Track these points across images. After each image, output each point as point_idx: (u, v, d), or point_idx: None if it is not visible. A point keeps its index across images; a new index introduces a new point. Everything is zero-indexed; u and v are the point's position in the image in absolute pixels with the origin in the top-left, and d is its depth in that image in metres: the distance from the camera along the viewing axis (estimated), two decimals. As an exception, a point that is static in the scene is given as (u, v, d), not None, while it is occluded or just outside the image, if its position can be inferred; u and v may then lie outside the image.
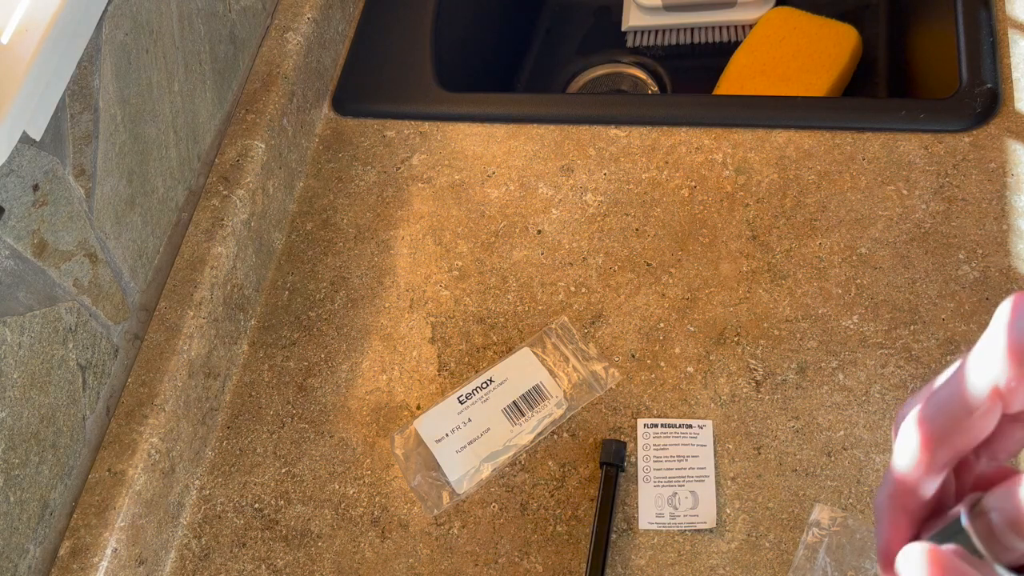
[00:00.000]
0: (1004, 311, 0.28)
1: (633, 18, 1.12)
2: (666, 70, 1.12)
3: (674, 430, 0.69)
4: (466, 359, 0.75)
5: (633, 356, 0.73)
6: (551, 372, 0.72)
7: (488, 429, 0.71)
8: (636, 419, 0.70)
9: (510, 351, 0.74)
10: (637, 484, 0.67)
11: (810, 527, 0.64)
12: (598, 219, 0.80)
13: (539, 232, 0.80)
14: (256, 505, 0.71)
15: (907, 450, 0.30)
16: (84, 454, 0.67)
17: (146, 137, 0.72)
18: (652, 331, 0.73)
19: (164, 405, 0.69)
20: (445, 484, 0.70)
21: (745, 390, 0.70)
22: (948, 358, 0.69)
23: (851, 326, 0.71)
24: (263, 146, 0.81)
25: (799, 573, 0.62)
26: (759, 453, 0.67)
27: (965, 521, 0.29)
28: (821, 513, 0.64)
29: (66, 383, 0.65)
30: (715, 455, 0.68)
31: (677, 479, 0.67)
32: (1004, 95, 0.78)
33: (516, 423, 0.71)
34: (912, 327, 0.71)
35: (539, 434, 0.71)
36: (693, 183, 0.80)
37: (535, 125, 0.86)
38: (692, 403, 0.70)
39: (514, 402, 0.71)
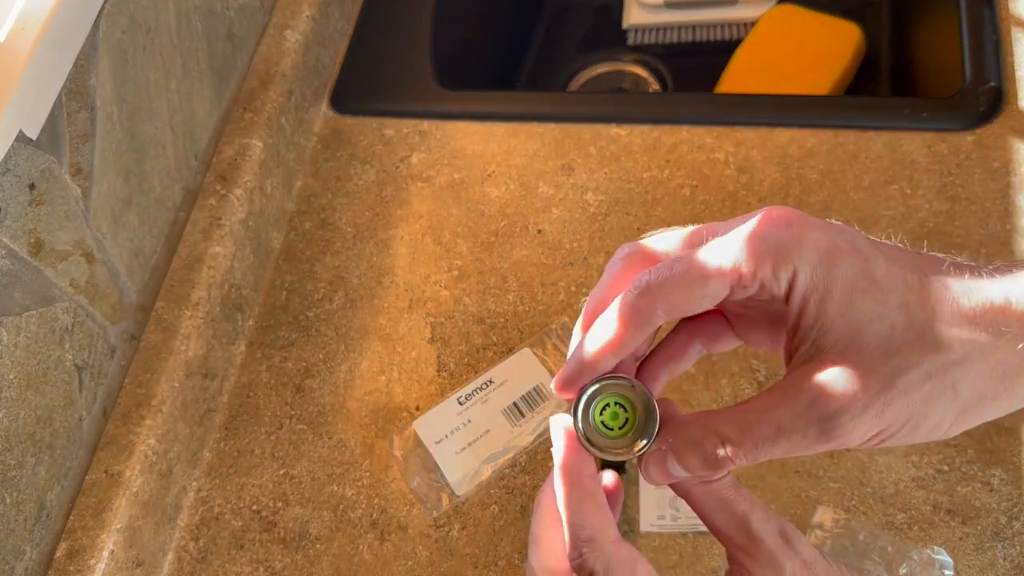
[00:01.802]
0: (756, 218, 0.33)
1: (634, 16, 1.12)
2: (667, 68, 1.11)
3: (675, 431, 0.68)
4: (466, 360, 0.74)
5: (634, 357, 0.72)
6: (551, 373, 0.72)
7: (488, 430, 0.70)
8: (637, 420, 0.69)
9: (510, 352, 0.74)
10: (638, 486, 0.67)
11: (813, 529, 0.63)
12: (599, 218, 0.79)
13: (539, 232, 0.80)
14: (254, 507, 0.71)
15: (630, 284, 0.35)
16: (81, 455, 0.67)
17: (143, 136, 0.72)
18: (653, 331, 0.73)
19: (161, 406, 0.69)
20: (444, 486, 0.69)
21: (747, 391, 0.69)
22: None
23: (854, 326, 0.71)
24: (261, 145, 0.81)
25: None
26: (761, 454, 0.67)
27: (586, 396, 0.36)
28: (824, 515, 0.64)
29: (62, 384, 0.64)
30: (717, 456, 0.67)
31: (678, 481, 0.66)
32: (1008, 94, 0.78)
33: (516, 424, 0.70)
34: (915, 327, 0.70)
35: (539, 435, 0.70)
36: (695, 182, 0.79)
37: (535, 124, 0.85)
38: (694, 404, 0.69)
39: (514, 403, 0.71)
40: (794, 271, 0.32)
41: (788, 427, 0.31)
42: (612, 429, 0.36)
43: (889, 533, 0.62)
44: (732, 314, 0.38)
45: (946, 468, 0.64)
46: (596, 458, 0.36)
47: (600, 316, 0.35)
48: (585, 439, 0.36)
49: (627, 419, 0.36)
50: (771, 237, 0.32)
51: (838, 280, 0.31)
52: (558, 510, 0.36)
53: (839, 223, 0.33)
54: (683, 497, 0.36)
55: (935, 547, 0.61)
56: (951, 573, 0.60)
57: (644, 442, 0.35)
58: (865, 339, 0.31)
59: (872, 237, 0.33)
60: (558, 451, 0.36)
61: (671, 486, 0.36)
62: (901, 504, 0.64)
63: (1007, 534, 0.62)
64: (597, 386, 0.36)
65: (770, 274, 0.32)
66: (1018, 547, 0.61)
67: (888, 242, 0.33)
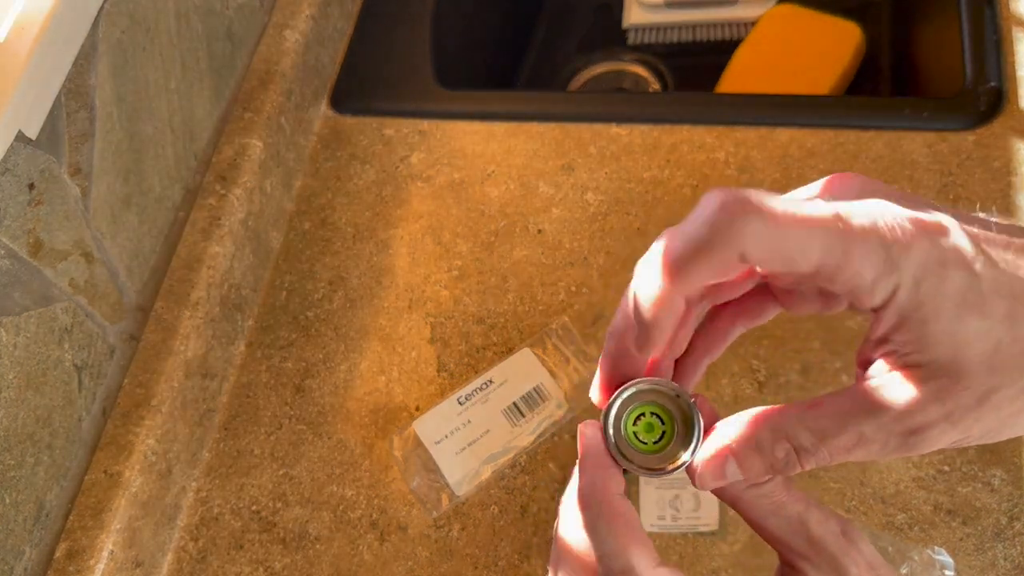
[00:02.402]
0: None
1: (634, 15, 1.12)
2: (668, 68, 1.11)
3: (676, 431, 0.68)
4: (466, 360, 0.74)
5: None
6: (552, 373, 0.72)
7: (488, 430, 0.70)
8: (637, 420, 0.69)
9: (510, 352, 0.73)
10: (639, 486, 0.67)
11: None
12: (599, 218, 0.79)
13: (540, 231, 0.79)
14: (253, 507, 0.71)
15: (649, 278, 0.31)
16: (80, 455, 0.66)
17: (143, 135, 0.71)
18: (653, 331, 0.73)
19: (161, 406, 0.69)
20: (444, 486, 0.69)
21: (748, 391, 0.69)
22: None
23: (855, 326, 0.70)
24: (261, 144, 0.80)
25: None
26: (761, 455, 0.67)
27: (611, 402, 0.33)
28: None
29: (62, 384, 0.64)
30: (717, 457, 0.67)
31: (679, 481, 0.66)
32: (1008, 93, 0.78)
33: (516, 424, 0.70)
34: (916, 327, 0.70)
35: (539, 435, 0.70)
36: (695, 182, 0.79)
37: (535, 123, 0.85)
38: (694, 404, 0.69)
39: (514, 403, 0.71)
40: (896, 286, 0.28)
41: (870, 438, 0.30)
42: (646, 443, 0.33)
43: (889, 533, 0.62)
44: (779, 288, 0.35)
45: (947, 468, 0.64)
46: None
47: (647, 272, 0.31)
48: (617, 451, 0.33)
49: (664, 432, 0.33)
50: (873, 238, 0.28)
51: (946, 297, 0.29)
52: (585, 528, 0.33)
53: (939, 212, 0.30)
54: (730, 503, 0.33)
55: (936, 547, 0.61)
56: (952, 573, 0.60)
57: (685, 455, 0.32)
58: (968, 356, 0.29)
59: (970, 221, 0.30)
60: (587, 468, 0.33)
61: (716, 491, 0.33)
62: (902, 504, 0.63)
63: (1008, 534, 0.62)
64: (632, 391, 0.33)
65: (868, 284, 0.28)
66: (1018, 547, 0.61)
67: (985, 222, 0.30)
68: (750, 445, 0.31)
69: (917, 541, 0.62)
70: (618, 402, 0.33)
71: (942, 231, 0.29)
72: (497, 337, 0.75)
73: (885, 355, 0.30)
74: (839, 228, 0.28)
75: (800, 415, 0.31)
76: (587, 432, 0.34)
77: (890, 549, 0.61)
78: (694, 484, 0.32)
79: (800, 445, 0.30)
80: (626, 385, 0.33)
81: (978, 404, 0.29)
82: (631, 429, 0.33)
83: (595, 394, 0.34)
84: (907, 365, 0.29)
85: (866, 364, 0.31)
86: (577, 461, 0.34)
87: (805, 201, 0.29)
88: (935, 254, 0.28)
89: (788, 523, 0.32)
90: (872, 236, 0.28)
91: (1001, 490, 0.63)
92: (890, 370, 0.30)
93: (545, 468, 0.69)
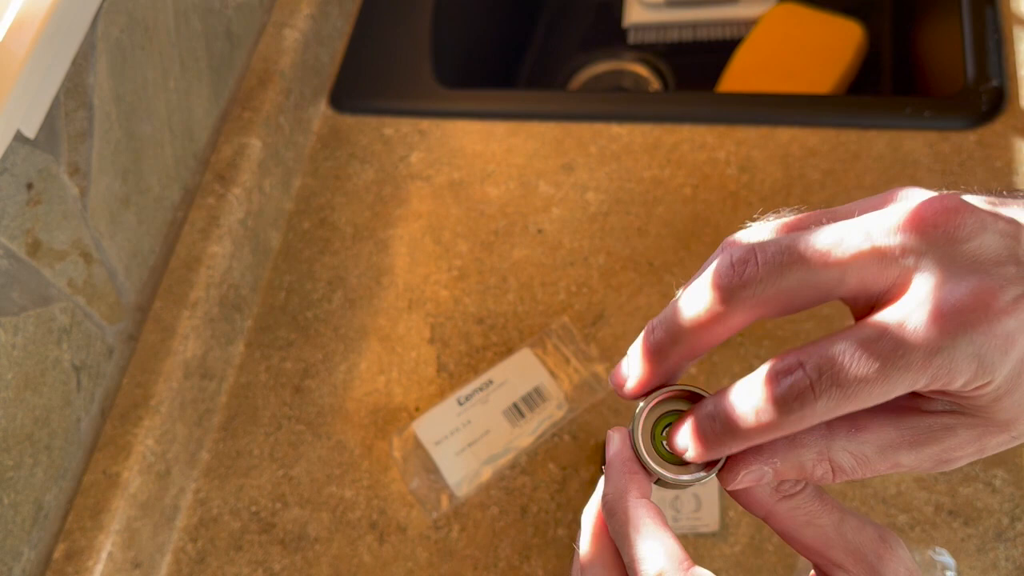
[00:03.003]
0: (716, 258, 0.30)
1: (635, 14, 1.11)
2: (668, 67, 1.11)
3: (676, 432, 0.68)
4: (465, 360, 0.74)
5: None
6: (552, 373, 0.72)
7: (488, 431, 0.70)
8: (638, 421, 0.69)
9: (510, 352, 0.73)
10: (639, 487, 0.66)
11: None
12: (599, 218, 0.79)
13: (540, 231, 0.79)
14: (252, 508, 0.71)
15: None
16: (78, 456, 0.66)
17: (141, 135, 0.71)
18: (654, 331, 0.73)
19: (159, 407, 0.68)
20: (444, 487, 0.69)
21: (748, 391, 0.69)
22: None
23: (855, 327, 0.70)
24: (260, 144, 0.80)
25: (803, 577, 0.61)
26: (762, 455, 0.67)
27: (642, 407, 0.32)
28: None
29: (60, 384, 0.64)
30: (718, 457, 0.67)
31: (679, 482, 0.66)
32: (1010, 92, 0.78)
33: (516, 425, 0.70)
34: (917, 328, 0.70)
35: (539, 436, 0.70)
36: (696, 181, 0.79)
37: (536, 122, 0.85)
38: (694, 405, 0.69)
39: (514, 404, 0.71)
40: (988, 382, 0.27)
41: (907, 464, 0.30)
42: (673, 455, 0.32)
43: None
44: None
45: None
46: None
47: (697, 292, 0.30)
48: (644, 458, 0.32)
49: None
50: (972, 339, 0.26)
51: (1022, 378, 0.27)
52: (610, 535, 0.32)
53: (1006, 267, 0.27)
54: (763, 517, 0.32)
55: (937, 548, 0.61)
56: (952, 574, 0.60)
57: (716, 466, 0.32)
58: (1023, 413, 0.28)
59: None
60: (612, 476, 0.33)
61: (746, 505, 0.32)
62: (903, 505, 0.63)
63: (1009, 535, 0.61)
64: (661, 397, 0.32)
65: (958, 385, 0.27)
66: (1020, 548, 0.61)
67: None
68: (794, 464, 0.31)
69: (919, 542, 0.62)
70: (648, 408, 0.32)
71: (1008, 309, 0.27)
72: (497, 337, 0.75)
73: (941, 393, 0.29)
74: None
75: (845, 440, 0.30)
76: (615, 438, 0.33)
77: None
78: (724, 487, 0.32)
79: (839, 466, 0.30)
80: (657, 392, 0.32)
81: (1011, 441, 0.29)
82: (660, 438, 0.32)
83: (632, 385, 0.33)
84: (964, 413, 0.29)
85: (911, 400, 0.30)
86: (603, 469, 0.33)
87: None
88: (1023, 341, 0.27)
89: (824, 533, 0.31)
90: (967, 338, 0.26)
91: (1003, 491, 0.63)
92: (939, 411, 0.29)
93: (545, 469, 0.69)
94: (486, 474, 0.69)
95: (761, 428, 0.28)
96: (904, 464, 0.30)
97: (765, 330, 0.71)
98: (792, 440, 0.30)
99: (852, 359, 0.27)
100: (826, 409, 0.27)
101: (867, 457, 0.30)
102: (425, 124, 0.87)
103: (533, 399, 0.71)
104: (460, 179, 0.83)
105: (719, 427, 0.30)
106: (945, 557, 0.60)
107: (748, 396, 0.29)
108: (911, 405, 0.30)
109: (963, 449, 0.29)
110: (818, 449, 0.30)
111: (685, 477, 0.32)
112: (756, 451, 0.31)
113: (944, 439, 0.29)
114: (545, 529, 0.67)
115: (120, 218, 0.69)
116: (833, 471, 0.30)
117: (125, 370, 0.70)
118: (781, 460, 0.31)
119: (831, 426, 0.30)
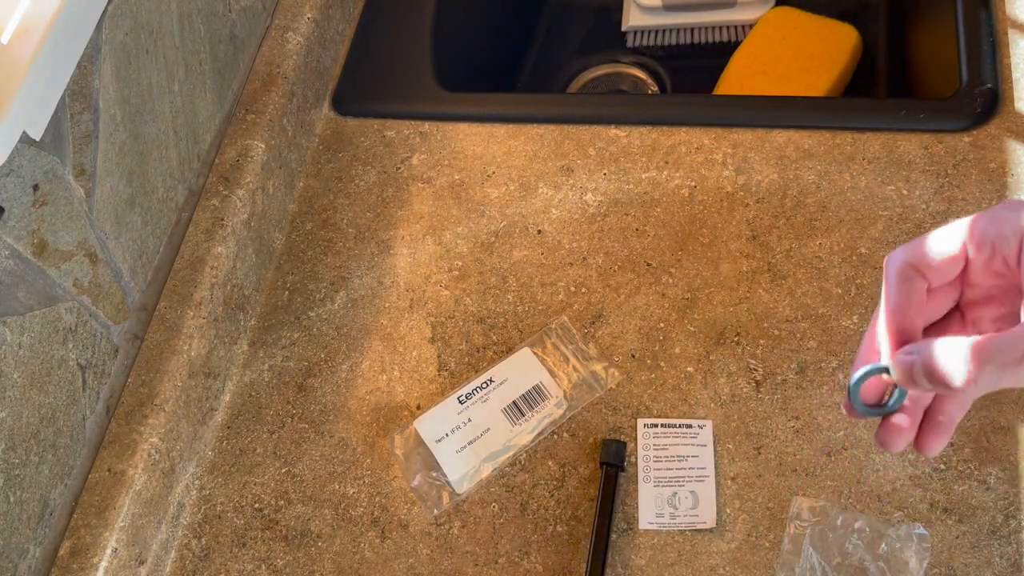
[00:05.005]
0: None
1: (633, 18, 1.12)
2: (666, 70, 1.12)
3: (674, 430, 0.69)
4: (466, 359, 0.75)
5: (633, 356, 0.73)
6: (551, 372, 0.72)
7: (488, 429, 0.71)
8: (636, 419, 0.70)
9: (510, 351, 0.74)
10: (637, 484, 0.67)
11: (792, 521, 0.64)
12: (598, 219, 0.80)
13: (539, 232, 0.80)
14: (256, 505, 0.71)
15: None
16: (84, 454, 0.67)
17: (146, 137, 0.72)
18: (652, 331, 0.73)
19: (164, 405, 0.69)
20: (445, 484, 0.70)
21: (745, 390, 0.70)
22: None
23: (851, 326, 0.71)
24: (263, 146, 0.81)
25: (787, 568, 0.62)
26: (759, 453, 0.67)
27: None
28: (801, 505, 0.64)
29: (66, 383, 0.65)
30: (715, 455, 0.68)
31: (677, 479, 0.67)
32: (1004, 95, 0.78)
33: (516, 423, 0.71)
34: (912, 327, 0.70)
35: (539, 434, 0.71)
36: (693, 183, 0.80)
37: (535, 125, 0.86)
38: (692, 403, 0.70)
39: (514, 402, 0.71)
40: None
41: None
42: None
43: (864, 513, 0.63)
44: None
45: (943, 467, 0.65)
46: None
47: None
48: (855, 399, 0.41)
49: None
50: None
51: None
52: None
53: None
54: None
55: (912, 523, 0.62)
56: (927, 545, 0.61)
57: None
58: None
59: None
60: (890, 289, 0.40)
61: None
62: (898, 502, 0.64)
63: (1003, 532, 0.62)
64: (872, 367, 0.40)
65: None
66: (1014, 545, 0.62)
67: None
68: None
69: (913, 538, 0.63)
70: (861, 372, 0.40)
71: None
72: (497, 337, 0.75)
73: None
74: None
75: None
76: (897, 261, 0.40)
77: (867, 529, 0.62)
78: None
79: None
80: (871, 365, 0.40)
81: None
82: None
83: (884, 346, 0.39)
84: None
85: None
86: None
87: None
88: None
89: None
90: None
91: (997, 488, 0.64)
92: None
93: (545, 466, 0.70)
94: (486, 471, 0.70)
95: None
96: None
97: (761, 330, 0.72)
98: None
99: None
100: None
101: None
102: (426, 127, 0.88)
103: (533, 398, 0.71)
104: (461, 181, 0.84)
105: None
106: (919, 530, 0.62)
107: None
108: None
109: None
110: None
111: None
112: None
113: None
114: (544, 525, 0.67)
115: (125, 219, 0.70)
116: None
117: (130, 369, 0.71)
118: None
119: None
